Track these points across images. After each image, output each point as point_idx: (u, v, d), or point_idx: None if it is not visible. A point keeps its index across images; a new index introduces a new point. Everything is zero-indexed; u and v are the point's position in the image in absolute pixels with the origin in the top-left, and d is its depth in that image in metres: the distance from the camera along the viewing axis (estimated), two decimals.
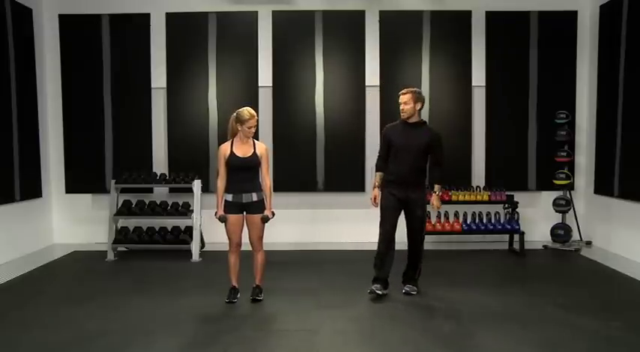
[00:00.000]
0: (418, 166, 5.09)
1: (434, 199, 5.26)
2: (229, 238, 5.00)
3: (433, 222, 7.16)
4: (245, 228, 5.02)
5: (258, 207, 4.95)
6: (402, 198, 5.06)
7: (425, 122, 5.25)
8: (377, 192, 5.25)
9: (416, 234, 5.16)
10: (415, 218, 5.12)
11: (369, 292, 5.09)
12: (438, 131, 5.27)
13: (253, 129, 4.93)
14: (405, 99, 5.09)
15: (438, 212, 7.16)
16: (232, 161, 4.90)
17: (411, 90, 5.14)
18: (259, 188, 4.98)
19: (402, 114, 5.12)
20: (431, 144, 5.09)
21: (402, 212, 5.16)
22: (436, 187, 5.29)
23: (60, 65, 7.73)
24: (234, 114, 4.95)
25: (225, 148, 4.97)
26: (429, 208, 5.42)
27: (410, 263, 5.31)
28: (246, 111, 4.91)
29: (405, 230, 5.20)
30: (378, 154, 5.33)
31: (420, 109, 5.15)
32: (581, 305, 4.92)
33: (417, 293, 5.22)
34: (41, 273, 6.24)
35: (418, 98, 5.10)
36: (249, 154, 4.92)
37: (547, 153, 7.60)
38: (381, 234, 5.14)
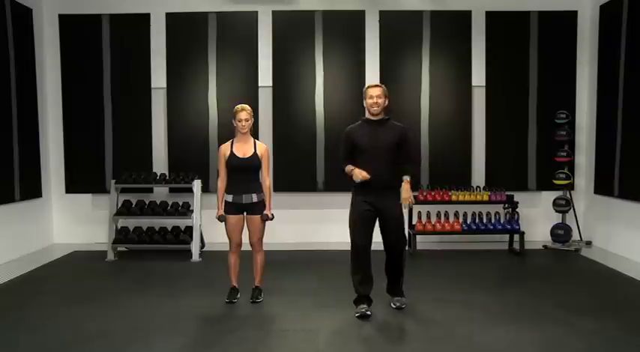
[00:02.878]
0: (391, 168, 4.55)
1: (403, 189, 4.52)
2: (229, 238, 5.00)
3: (433, 222, 7.17)
4: (245, 229, 5.02)
5: (259, 207, 4.94)
6: (376, 205, 4.54)
7: (389, 118, 4.70)
8: (352, 167, 4.56)
9: (395, 241, 4.63)
10: (392, 224, 4.59)
11: (357, 316, 4.59)
12: (405, 125, 4.74)
13: (244, 123, 4.88)
14: (377, 92, 4.56)
15: (438, 212, 7.18)
16: (232, 162, 4.89)
17: (381, 85, 4.68)
18: (259, 189, 4.96)
19: (373, 109, 4.56)
20: (400, 141, 4.58)
21: (377, 221, 4.64)
22: (404, 177, 4.56)
23: (60, 65, 7.73)
24: None
25: (225, 148, 4.96)
26: (401, 204, 4.61)
27: (390, 277, 4.83)
28: (239, 105, 4.99)
29: (382, 240, 4.69)
30: (341, 158, 4.70)
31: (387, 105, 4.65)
32: (581, 305, 4.92)
33: (406, 306, 4.80)
34: (41, 273, 6.24)
35: (387, 94, 4.63)
36: (249, 155, 4.91)
37: (547, 153, 7.60)
38: (352, 250, 4.61)
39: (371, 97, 4.58)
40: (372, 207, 4.56)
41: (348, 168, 4.61)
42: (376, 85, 4.67)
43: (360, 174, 4.47)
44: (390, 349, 4.01)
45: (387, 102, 4.63)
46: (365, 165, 4.52)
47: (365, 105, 4.67)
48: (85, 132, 7.75)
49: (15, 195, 6.85)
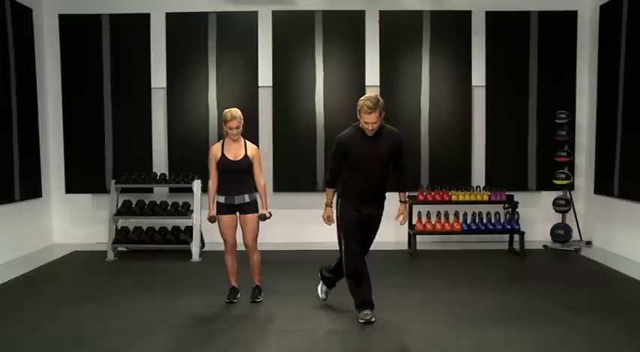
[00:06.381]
0: (385, 179, 4.46)
1: (403, 210, 4.63)
2: (224, 239, 4.98)
3: (433, 222, 7.16)
4: (239, 230, 4.98)
5: (251, 206, 4.91)
6: (366, 214, 4.47)
7: (383, 125, 4.42)
8: (330, 211, 4.63)
9: (368, 248, 4.66)
10: (374, 234, 4.61)
11: (362, 322, 4.41)
12: (397, 131, 4.49)
13: (235, 131, 4.80)
14: (373, 119, 4.22)
15: (438, 212, 7.18)
16: (224, 164, 4.86)
17: (377, 104, 4.21)
18: (252, 189, 4.93)
19: (367, 132, 4.31)
20: (395, 149, 4.42)
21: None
22: (402, 195, 4.61)
23: (60, 65, 7.73)
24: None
25: (216, 150, 4.92)
26: (397, 221, 4.70)
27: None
28: (229, 111, 4.83)
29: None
30: (329, 169, 4.63)
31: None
32: (581, 305, 4.92)
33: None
34: (41, 273, 6.24)
35: (383, 108, 4.28)
36: (241, 157, 4.88)
37: (547, 153, 7.60)
38: (349, 252, 4.50)
39: (366, 123, 4.26)
40: (362, 215, 4.48)
41: (327, 211, 4.68)
42: (371, 109, 4.19)
43: (327, 220, 4.69)
44: (390, 348, 4.01)
45: (383, 115, 4.31)
46: (357, 180, 4.42)
47: (359, 117, 4.31)
48: (85, 132, 7.75)
49: (15, 195, 6.85)
